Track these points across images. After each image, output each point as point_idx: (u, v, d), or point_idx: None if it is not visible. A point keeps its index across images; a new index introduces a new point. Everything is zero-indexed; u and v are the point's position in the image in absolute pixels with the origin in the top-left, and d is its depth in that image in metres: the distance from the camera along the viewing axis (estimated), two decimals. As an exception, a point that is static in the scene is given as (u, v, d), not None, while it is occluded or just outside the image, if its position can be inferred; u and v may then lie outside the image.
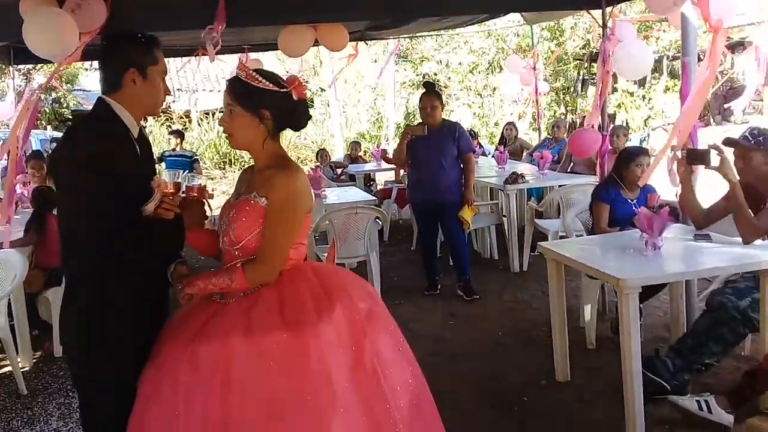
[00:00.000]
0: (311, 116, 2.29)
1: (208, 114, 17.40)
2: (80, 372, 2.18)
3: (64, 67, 4.28)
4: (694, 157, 3.46)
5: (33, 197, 5.12)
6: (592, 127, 4.81)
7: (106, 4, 4.18)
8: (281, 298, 2.09)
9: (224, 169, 15.85)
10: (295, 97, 2.13)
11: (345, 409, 1.96)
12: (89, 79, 17.02)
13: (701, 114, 7.79)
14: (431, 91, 5.42)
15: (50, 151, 9.88)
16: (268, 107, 2.12)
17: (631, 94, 14.32)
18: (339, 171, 9.54)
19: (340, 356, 2.01)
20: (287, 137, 2.91)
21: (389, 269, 6.21)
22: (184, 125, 16.64)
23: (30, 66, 13.15)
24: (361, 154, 10.62)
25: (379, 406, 2.02)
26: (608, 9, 4.98)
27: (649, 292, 3.94)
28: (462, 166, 5.38)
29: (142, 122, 2.30)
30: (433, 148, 5.25)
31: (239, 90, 2.13)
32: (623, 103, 14.20)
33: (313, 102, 17.02)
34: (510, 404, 3.53)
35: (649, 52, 5.39)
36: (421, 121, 5.39)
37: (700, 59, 4.00)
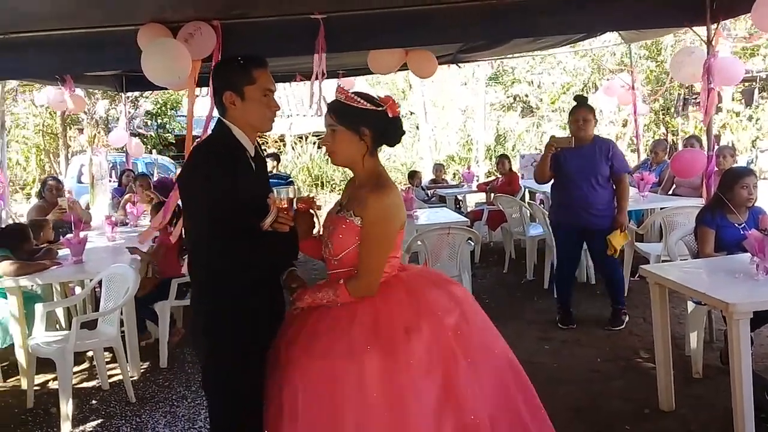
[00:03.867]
0: (405, 132, 2.42)
1: (301, 138, 17.90)
2: (209, 377, 2.34)
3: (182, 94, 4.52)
4: None
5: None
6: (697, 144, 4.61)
7: (216, 32, 4.42)
8: (376, 317, 2.23)
9: (316, 190, 16.24)
10: (390, 115, 2.28)
11: (436, 421, 2.11)
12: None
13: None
14: (583, 104, 5.02)
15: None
16: (366, 125, 2.26)
17: (737, 114, 13.66)
18: (431, 192, 9.61)
19: (431, 376, 2.15)
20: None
21: (481, 291, 6.15)
22: (279, 149, 17.19)
23: (137, 93, 13.97)
24: (445, 177, 10.68)
25: (471, 419, 2.13)
26: (713, 25, 4.80)
27: (760, 319, 3.72)
28: (614, 187, 4.96)
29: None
30: (584, 165, 4.86)
31: (341, 111, 2.27)
32: (728, 124, 13.56)
33: (403, 129, 17.35)
34: (610, 432, 3.43)
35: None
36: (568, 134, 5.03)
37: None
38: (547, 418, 2.39)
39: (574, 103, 5.08)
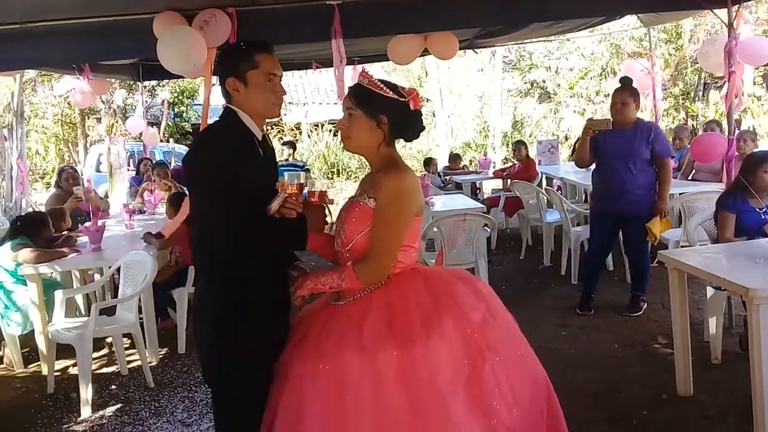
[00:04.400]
0: (424, 128, 2.34)
1: (317, 126, 17.90)
2: (212, 368, 2.30)
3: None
4: None
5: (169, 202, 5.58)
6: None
7: (231, 19, 4.42)
8: (390, 309, 2.12)
9: (332, 178, 16.26)
10: (412, 108, 2.20)
11: (458, 426, 1.98)
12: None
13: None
14: (625, 87, 4.83)
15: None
16: (386, 113, 2.18)
17: (758, 98, 13.44)
18: (447, 179, 9.58)
19: (453, 373, 2.03)
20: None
21: (497, 278, 6.13)
22: (295, 137, 17.21)
23: (155, 82, 14.06)
24: (461, 165, 10.63)
25: (494, 422, 2.02)
26: (734, 8, 4.72)
27: (781, 305, 3.68)
28: (657, 171, 4.79)
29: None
30: (622, 148, 4.73)
31: (361, 95, 2.20)
32: (749, 108, 13.34)
33: (423, 124, 17.40)
34: (628, 417, 3.41)
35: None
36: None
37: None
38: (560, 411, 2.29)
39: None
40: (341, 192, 13.78)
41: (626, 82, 4.93)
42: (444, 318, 2.08)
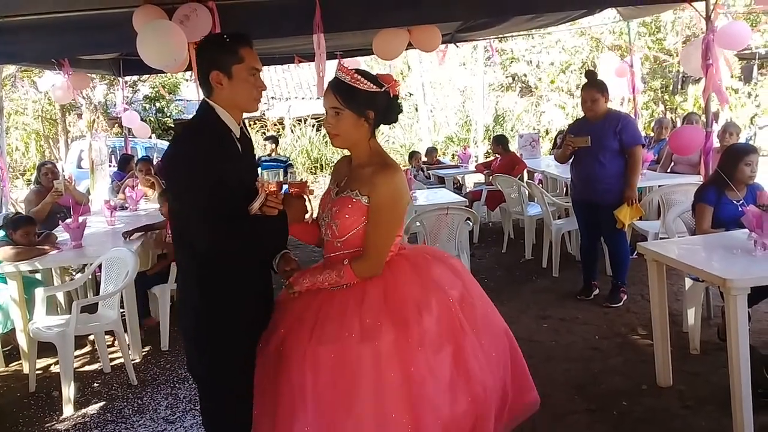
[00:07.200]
0: (402, 110, 2.38)
1: (300, 121, 17.84)
2: (198, 363, 2.30)
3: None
4: None
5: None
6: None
7: (212, 13, 4.38)
8: (385, 294, 2.21)
9: (315, 173, 16.23)
10: (391, 95, 2.23)
11: (450, 395, 2.11)
12: (189, 89, 17.79)
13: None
14: (592, 83, 4.97)
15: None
16: (372, 108, 2.21)
17: (736, 91, 13.59)
18: (429, 173, 9.60)
19: (442, 347, 2.16)
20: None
21: (479, 271, 6.17)
22: (278, 132, 17.14)
23: (135, 77, 13.92)
24: (440, 158, 10.67)
25: (478, 389, 2.16)
26: (712, 0, 4.77)
27: (757, 295, 3.73)
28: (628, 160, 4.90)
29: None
30: (592, 141, 4.88)
31: (345, 93, 2.19)
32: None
33: (401, 107, 17.35)
34: (608, 408, 3.45)
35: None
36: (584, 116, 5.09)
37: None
38: (532, 381, 2.44)
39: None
40: (324, 187, 13.72)
41: (591, 77, 5.06)
42: (431, 300, 2.20)
